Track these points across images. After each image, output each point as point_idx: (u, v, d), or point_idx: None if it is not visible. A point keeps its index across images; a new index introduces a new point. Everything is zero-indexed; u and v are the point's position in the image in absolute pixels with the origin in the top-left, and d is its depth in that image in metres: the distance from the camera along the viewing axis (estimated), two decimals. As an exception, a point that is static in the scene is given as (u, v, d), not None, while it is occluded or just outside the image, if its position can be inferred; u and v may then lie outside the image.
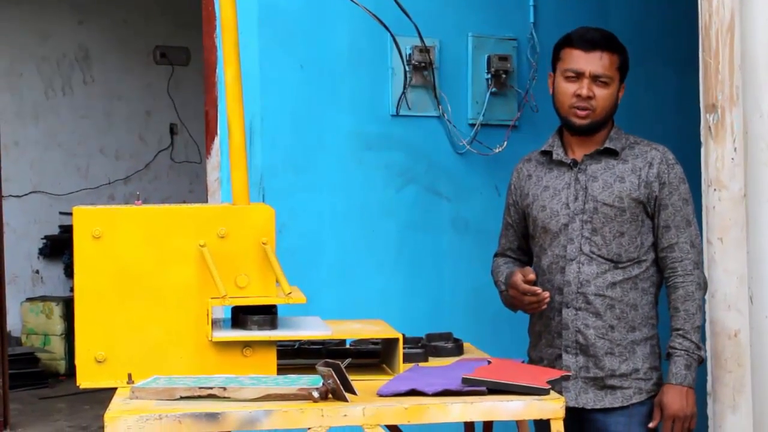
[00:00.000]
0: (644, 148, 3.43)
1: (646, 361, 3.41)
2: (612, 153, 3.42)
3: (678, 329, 3.33)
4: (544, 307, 3.35)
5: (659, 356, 3.45)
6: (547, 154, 3.52)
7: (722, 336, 3.55)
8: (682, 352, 3.32)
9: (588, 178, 3.41)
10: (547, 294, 3.32)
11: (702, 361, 3.37)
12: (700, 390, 3.53)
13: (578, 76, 3.37)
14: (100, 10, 9.75)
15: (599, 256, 3.38)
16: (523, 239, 3.60)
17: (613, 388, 3.39)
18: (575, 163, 3.45)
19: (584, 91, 3.36)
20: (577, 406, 3.38)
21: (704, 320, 3.44)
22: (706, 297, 3.47)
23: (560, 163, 3.47)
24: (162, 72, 10.05)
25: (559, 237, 3.43)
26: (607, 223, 3.38)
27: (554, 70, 3.46)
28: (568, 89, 3.39)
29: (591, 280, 3.38)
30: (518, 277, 3.34)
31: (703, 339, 3.48)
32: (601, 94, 3.37)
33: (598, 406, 3.39)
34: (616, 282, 3.38)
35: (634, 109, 4.59)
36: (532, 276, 3.33)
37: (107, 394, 2.81)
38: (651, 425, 3.36)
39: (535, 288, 3.32)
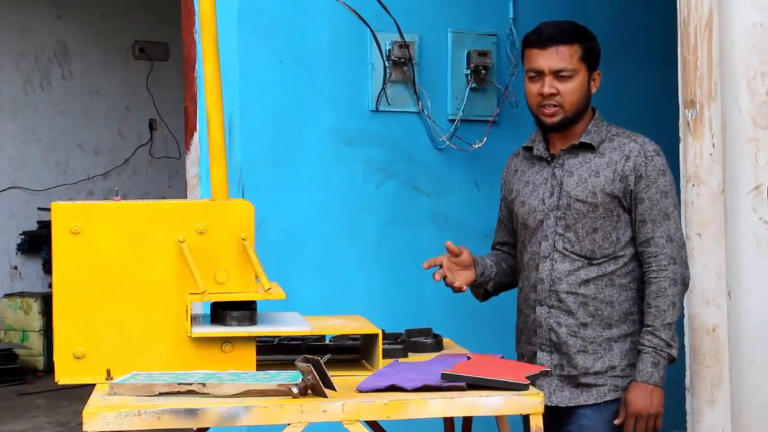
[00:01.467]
0: (623, 140, 3.35)
1: (624, 359, 3.34)
2: (589, 146, 3.36)
3: (648, 326, 3.27)
4: (449, 283, 3.35)
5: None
6: (530, 149, 3.48)
7: (700, 331, 3.56)
8: (650, 349, 3.25)
9: (564, 173, 3.36)
10: (437, 277, 3.34)
11: (673, 360, 3.29)
12: (677, 385, 3.54)
13: (539, 74, 3.32)
14: (79, 4, 9.72)
15: (572, 252, 3.33)
16: (512, 235, 3.56)
17: (588, 386, 3.34)
18: (553, 157, 3.40)
19: (546, 89, 3.30)
20: (550, 404, 3.33)
21: (682, 316, 3.39)
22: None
23: (541, 158, 3.43)
24: (141, 67, 10.02)
25: (536, 233, 3.39)
26: (579, 219, 3.32)
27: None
28: (532, 89, 3.34)
29: (563, 278, 3.33)
30: (442, 255, 3.37)
31: (681, 335, 3.47)
32: (565, 88, 3.31)
33: (572, 404, 3.34)
34: (590, 279, 3.32)
35: (613, 104, 4.59)
36: (450, 245, 3.35)
37: (86, 390, 2.80)
38: (616, 422, 3.31)
39: (429, 265, 3.36)
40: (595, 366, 3.32)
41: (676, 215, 3.35)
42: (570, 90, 3.31)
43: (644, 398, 3.24)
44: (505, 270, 3.53)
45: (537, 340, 3.38)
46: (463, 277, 3.39)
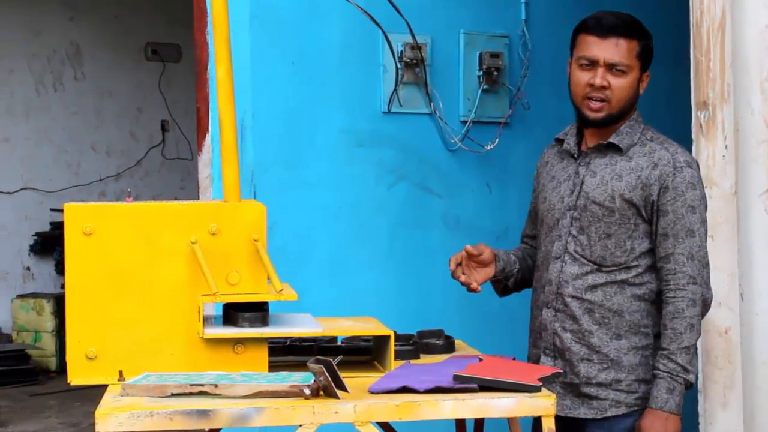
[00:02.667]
0: (655, 147, 3.15)
1: (633, 373, 3.14)
2: (618, 148, 3.16)
3: (663, 349, 3.06)
4: (471, 288, 3.22)
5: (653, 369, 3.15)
6: (561, 142, 3.30)
7: (713, 333, 3.55)
8: (665, 374, 3.04)
9: (588, 172, 3.19)
10: (462, 278, 3.21)
11: (690, 386, 3.08)
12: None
13: (592, 64, 3.11)
14: (91, 6, 9.72)
15: (582, 256, 3.16)
16: None
17: (589, 397, 3.16)
18: (581, 154, 3.23)
19: (598, 81, 3.10)
20: None
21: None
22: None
23: (569, 154, 3.26)
24: (153, 68, 10.02)
25: (552, 232, 3.23)
26: (593, 223, 3.14)
27: (571, 56, 3.21)
28: (581, 78, 3.13)
29: (570, 281, 3.17)
30: (463, 251, 3.23)
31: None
32: (618, 83, 3.11)
33: (571, 415, 3.18)
34: (597, 285, 3.15)
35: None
36: (470, 249, 3.21)
37: (98, 391, 2.80)
38: None
39: (455, 265, 3.21)
40: (598, 377, 3.15)
41: (702, 233, 3.12)
42: (621, 86, 3.12)
43: (659, 426, 3.04)
44: (530, 266, 3.37)
45: (541, 344, 3.24)
46: (481, 275, 3.27)
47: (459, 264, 3.27)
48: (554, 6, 5.11)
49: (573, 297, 3.17)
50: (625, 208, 3.13)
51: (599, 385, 3.16)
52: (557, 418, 3.12)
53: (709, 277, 3.14)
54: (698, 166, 3.19)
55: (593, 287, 3.16)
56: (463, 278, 3.24)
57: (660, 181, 3.10)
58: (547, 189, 3.29)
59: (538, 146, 4.80)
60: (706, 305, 3.12)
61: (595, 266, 3.16)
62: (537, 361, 3.25)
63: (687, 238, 3.09)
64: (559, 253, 3.21)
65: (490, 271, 3.29)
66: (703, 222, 3.13)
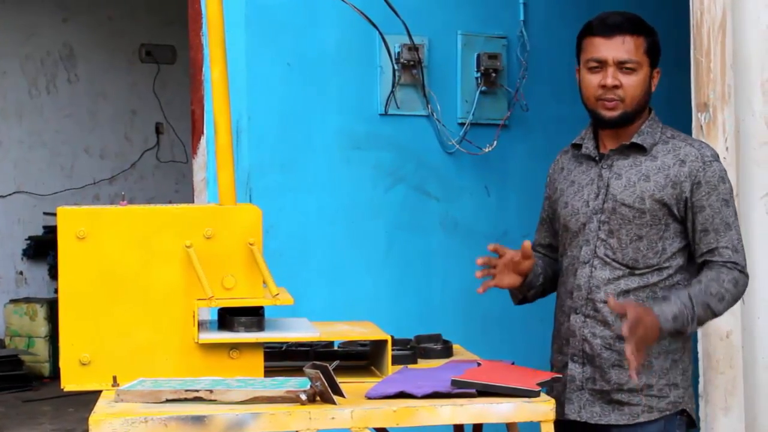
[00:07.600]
0: (678, 144, 3.12)
1: (663, 377, 3.10)
2: (641, 148, 3.13)
3: (688, 292, 2.99)
4: (490, 282, 3.16)
5: (683, 372, 3.14)
6: (578, 146, 3.25)
7: (714, 337, 3.53)
8: (680, 303, 2.96)
9: (612, 174, 3.14)
10: (492, 282, 3.16)
11: (683, 333, 3.01)
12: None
13: (602, 65, 3.09)
14: (85, 7, 9.71)
15: (614, 260, 3.11)
16: (555, 236, 3.33)
17: (620, 403, 3.11)
18: (602, 157, 3.18)
19: (609, 81, 3.07)
20: (579, 419, 3.13)
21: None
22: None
23: (588, 157, 3.21)
24: (147, 70, 10.01)
25: (577, 237, 3.17)
26: (624, 225, 3.10)
27: (579, 62, 3.18)
28: (592, 81, 3.10)
29: (601, 286, 3.11)
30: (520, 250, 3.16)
31: (694, 342, 3.32)
32: (629, 81, 3.08)
33: (602, 422, 3.12)
34: (630, 290, 3.10)
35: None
36: (527, 265, 3.17)
37: (92, 396, 2.78)
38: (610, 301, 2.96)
39: (488, 256, 3.16)
40: (630, 383, 3.09)
41: (737, 225, 3.10)
42: (633, 84, 3.09)
43: (648, 323, 2.89)
44: (551, 278, 3.32)
45: (569, 350, 3.17)
46: (507, 281, 3.20)
47: (488, 262, 3.19)
48: (553, 7, 5.09)
49: (605, 302, 3.11)
50: (656, 208, 3.09)
51: (630, 391, 3.11)
52: (582, 425, 3.15)
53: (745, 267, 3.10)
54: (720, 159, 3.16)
55: (626, 292, 3.11)
56: (493, 282, 3.18)
57: (691, 177, 3.07)
58: (568, 194, 3.24)
59: (536, 148, 4.79)
60: (739, 295, 3.08)
61: (628, 269, 3.12)
62: (563, 368, 3.20)
63: (727, 232, 3.07)
64: (588, 257, 3.15)
65: (517, 280, 3.22)
66: (736, 215, 3.11)
